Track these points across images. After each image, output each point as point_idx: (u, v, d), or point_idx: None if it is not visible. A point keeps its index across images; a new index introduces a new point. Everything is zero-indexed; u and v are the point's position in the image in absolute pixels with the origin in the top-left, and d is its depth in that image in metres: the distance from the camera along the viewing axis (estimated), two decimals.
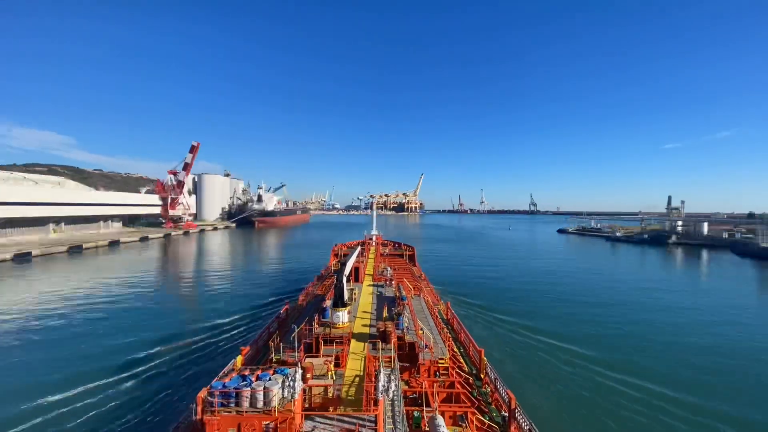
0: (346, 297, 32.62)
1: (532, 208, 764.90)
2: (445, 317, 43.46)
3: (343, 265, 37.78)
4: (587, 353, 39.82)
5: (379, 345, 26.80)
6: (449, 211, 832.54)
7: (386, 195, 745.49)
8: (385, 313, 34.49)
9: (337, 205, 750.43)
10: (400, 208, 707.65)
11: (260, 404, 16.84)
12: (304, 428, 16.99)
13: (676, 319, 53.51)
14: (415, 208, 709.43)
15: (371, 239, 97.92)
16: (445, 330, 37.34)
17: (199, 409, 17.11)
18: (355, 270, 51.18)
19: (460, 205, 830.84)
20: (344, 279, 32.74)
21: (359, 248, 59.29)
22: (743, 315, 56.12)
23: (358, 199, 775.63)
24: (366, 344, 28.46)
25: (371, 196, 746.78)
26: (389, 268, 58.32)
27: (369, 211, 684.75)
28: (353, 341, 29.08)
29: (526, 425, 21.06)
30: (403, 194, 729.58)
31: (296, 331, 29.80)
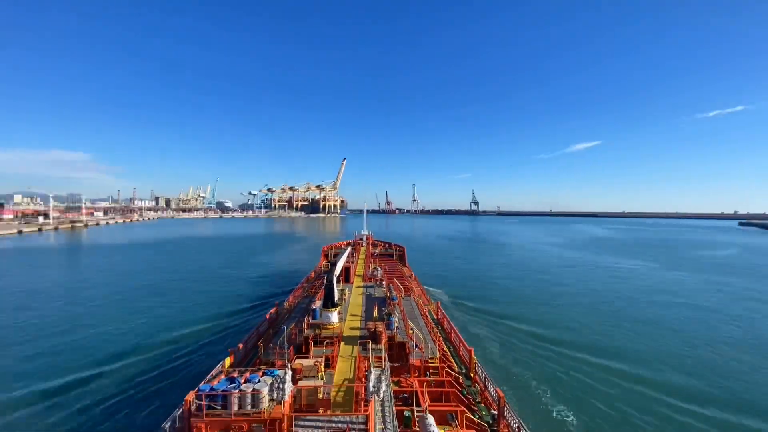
0: (336, 297, 32.51)
1: (474, 207, 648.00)
2: (436, 317, 43.68)
3: (333, 265, 37.64)
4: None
5: (370, 345, 26.78)
6: (374, 211, 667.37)
7: (291, 188, 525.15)
8: (375, 314, 34.49)
9: (229, 204, 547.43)
10: (312, 207, 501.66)
11: (249, 406, 16.66)
12: (293, 430, 16.86)
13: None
14: (335, 206, 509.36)
15: (362, 239, 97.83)
16: (436, 330, 37.52)
17: (187, 412, 16.83)
18: (346, 270, 51.07)
19: (388, 204, 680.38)
20: (334, 279, 32.62)
21: (349, 249, 59.20)
22: None
23: (249, 194, 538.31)
24: (356, 345, 28.41)
25: (268, 189, 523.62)
26: (380, 269, 58.36)
27: (264, 211, 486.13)
28: (343, 342, 29.00)
29: (515, 423, 21.30)
30: (317, 187, 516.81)
31: (286, 332, 29.57)
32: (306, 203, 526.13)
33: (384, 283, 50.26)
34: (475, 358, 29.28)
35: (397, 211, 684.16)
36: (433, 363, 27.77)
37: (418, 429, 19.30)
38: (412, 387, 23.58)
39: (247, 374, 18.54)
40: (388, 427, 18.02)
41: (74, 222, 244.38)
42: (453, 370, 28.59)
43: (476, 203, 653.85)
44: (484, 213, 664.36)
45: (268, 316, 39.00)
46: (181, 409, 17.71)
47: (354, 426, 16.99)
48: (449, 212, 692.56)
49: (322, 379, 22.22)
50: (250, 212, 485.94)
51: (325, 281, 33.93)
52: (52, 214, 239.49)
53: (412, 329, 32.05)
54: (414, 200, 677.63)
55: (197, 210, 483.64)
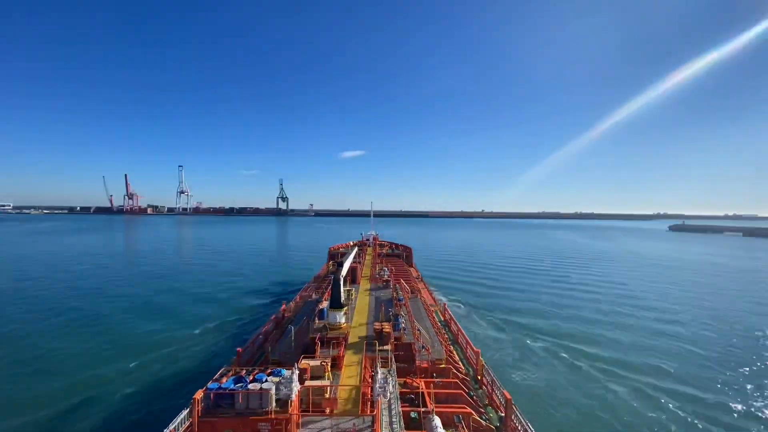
0: (343, 298, 32.56)
1: (283, 206, 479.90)
2: (443, 318, 43.45)
3: (340, 266, 37.73)
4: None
5: (377, 346, 26.74)
6: (99, 210, 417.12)
7: None
8: (382, 314, 34.45)
9: None
10: None
11: (256, 405, 16.74)
12: (300, 430, 16.90)
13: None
14: None
15: (368, 240, 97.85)
16: (443, 331, 37.34)
17: (195, 410, 16.98)
18: (353, 271, 51.13)
19: (130, 197, 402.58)
20: (341, 280, 32.69)
21: (356, 249, 59.26)
22: None
23: None
24: (363, 345, 28.41)
25: None
26: (386, 269, 58.28)
27: None
28: (350, 342, 29.02)
29: (523, 426, 21.06)
30: None
31: (293, 332, 29.71)
32: None
33: (391, 283, 50.20)
34: (482, 360, 29.03)
35: (150, 210, 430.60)
36: (440, 364, 27.62)
37: (424, 430, 19.20)
38: (418, 388, 23.48)
39: (255, 374, 18.63)
40: (395, 428, 17.96)
41: None
42: (460, 372, 28.38)
43: (285, 198, 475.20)
44: (294, 212, 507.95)
45: (275, 316, 39.21)
46: (190, 408, 17.89)
47: (361, 427, 16.98)
48: (243, 211, 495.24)
49: (328, 379, 22.25)
50: None
51: (331, 282, 34.02)
52: None
53: (419, 330, 31.94)
54: (182, 192, 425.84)
55: None
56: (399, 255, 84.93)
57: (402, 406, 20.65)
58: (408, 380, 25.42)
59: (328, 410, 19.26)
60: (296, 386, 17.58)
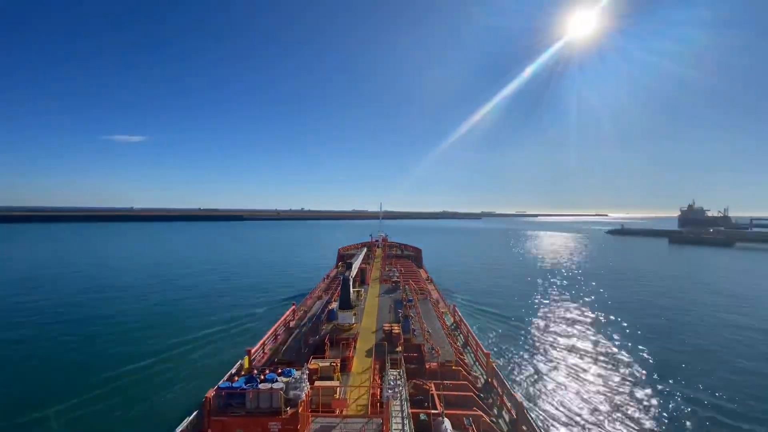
0: (352, 299, 32.68)
1: None
2: (453, 320, 43.21)
3: (349, 267, 37.87)
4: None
5: (386, 347, 26.74)
6: None
7: None
8: (391, 315, 34.46)
9: None
10: None
11: (267, 405, 16.91)
12: (310, 429, 17.01)
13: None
14: None
15: (377, 241, 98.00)
16: (453, 333, 37.14)
17: (207, 409, 17.23)
18: (362, 272, 51.25)
19: None
20: (351, 281, 32.82)
21: (365, 250, 59.41)
22: None
23: None
24: (373, 346, 28.44)
25: None
26: (396, 270, 58.26)
27: None
28: (360, 343, 29.08)
29: (533, 430, 20.77)
30: None
31: (303, 332, 29.93)
32: None
33: (400, 284, 50.14)
34: (492, 362, 28.75)
35: None
36: (449, 366, 27.45)
37: None
38: (428, 390, 23.38)
39: (265, 373, 18.82)
40: (404, 429, 17.92)
41: None
42: (470, 374, 28.16)
43: None
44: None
45: (285, 316, 39.54)
46: (201, 407, 18.17)
47: (370, 428, 17.00)
48: None
49: (338, 380, 22.33)
50: None
51: (341, 283, 34.16)
52: None
53: (428, 332, 31.82)
54: None
55: None
56: (408, 256, 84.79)
57: (411, 408, 20.60)
58: (417, 382, 25.34)
59: (337, 411, 19.33)
60: (306, 386, 17.71)
